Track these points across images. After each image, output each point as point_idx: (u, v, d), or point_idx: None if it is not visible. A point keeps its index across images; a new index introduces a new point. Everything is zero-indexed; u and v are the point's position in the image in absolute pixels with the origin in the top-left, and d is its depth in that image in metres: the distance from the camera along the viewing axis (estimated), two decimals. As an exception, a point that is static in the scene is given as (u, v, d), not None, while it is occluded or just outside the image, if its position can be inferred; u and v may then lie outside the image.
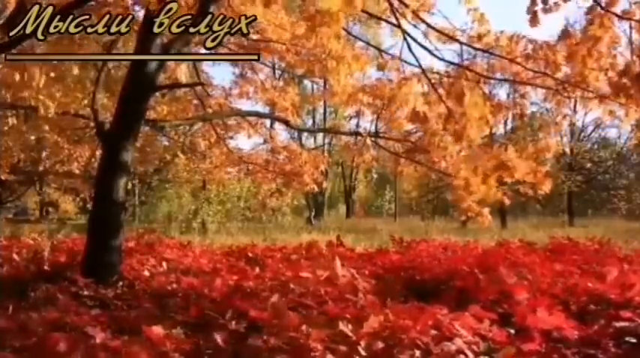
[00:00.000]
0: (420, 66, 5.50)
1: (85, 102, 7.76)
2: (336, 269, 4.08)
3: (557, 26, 5.21)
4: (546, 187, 5.73)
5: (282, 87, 9.58)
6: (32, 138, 9.54)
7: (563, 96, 5.67)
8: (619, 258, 6.31)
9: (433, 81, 5.53)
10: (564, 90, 5.49)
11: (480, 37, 5.61)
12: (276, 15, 7.21)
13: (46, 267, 6.11)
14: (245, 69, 9.79)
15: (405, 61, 5.91)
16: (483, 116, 5.25)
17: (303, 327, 3.00)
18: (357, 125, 26.41)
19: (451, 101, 5.21)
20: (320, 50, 6.83)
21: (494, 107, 5.59)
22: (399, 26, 5.34)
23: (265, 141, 10.06)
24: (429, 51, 5.43)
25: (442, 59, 5.52)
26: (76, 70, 7.15)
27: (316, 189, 9.11)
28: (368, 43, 8.91)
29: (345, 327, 2.99)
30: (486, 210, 6.07)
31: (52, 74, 6.31)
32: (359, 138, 9.10)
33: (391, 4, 5.34)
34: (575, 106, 19.75)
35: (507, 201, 6.10)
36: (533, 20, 4.54)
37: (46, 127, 8.56)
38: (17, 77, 5.77)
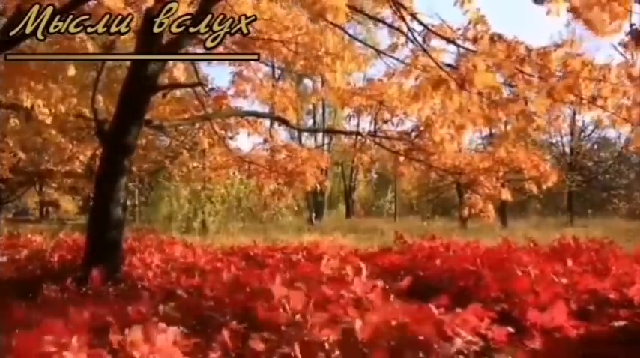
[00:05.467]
0: (426, 51, 5.40)
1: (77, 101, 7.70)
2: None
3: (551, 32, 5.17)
4: (551, 180, 5.67)
5: (281, 85, 9.53)
6: (42, 138, 9.50)
7: (558, 100, 5.62)
8: (623, 257, 6.28)
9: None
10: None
11: (476, 39, 5.55)
12: (272, 11, 7.14)
13: (48, 266, 6.12)
14: (243, 68, 9.72)
15: (401, 61, 5.88)
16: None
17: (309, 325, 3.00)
18: (357, 125, 26.22)
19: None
20: (318, 48, 6.81)
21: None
22: (403, 31, 5.30)
23: (265, 141, 9.98)
24: (427, 52, 5.41)
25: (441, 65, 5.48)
26: (72, 71, 7.08)
27: (318, 187, 9.06)
28: (368, 45, 8.88)
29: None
30: (491, 207, 6.08)
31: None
32: (359, 137, 9.09)
33: (396, 8, 5.32)
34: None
35: (510, 198, 6.10)
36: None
37: (48, 127, 8.54)
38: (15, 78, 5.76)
